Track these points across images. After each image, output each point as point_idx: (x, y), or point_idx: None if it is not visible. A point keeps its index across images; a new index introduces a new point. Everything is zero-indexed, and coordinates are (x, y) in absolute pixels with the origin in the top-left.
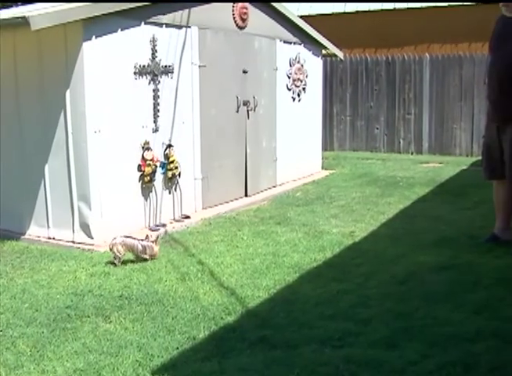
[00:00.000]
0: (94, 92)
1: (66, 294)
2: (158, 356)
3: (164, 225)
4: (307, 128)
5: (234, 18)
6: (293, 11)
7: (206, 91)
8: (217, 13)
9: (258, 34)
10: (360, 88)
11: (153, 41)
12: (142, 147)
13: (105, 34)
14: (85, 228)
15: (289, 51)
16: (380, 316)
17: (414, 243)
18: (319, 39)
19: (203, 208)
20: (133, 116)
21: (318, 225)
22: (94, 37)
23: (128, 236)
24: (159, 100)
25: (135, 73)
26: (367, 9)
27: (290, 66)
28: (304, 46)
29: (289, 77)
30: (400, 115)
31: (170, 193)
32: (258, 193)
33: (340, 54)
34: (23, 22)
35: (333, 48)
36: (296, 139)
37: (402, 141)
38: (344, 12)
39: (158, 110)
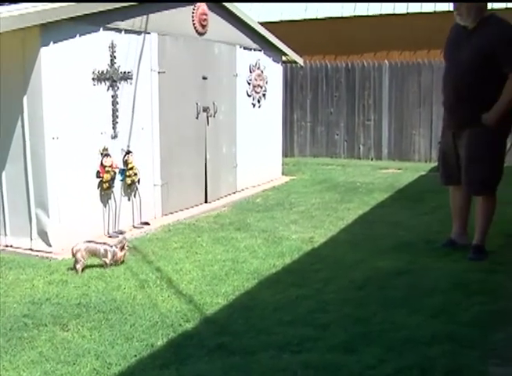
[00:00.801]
0: (52, 97)
1: (24, 302)
2: (116, 364)
3: (121, 233)
4: (267, 134)
5: (194, 24)
6: (253, 17)
7: (165, 97)
8: (176, 19)
9: (218, 41)
10: (320, 95)
11: (112, 47)
12: (101, 154)
13: (63, 40)
14: (43, 235)
15: (249, 57)
16: (338, 321)
17: (373, 248)
18: (279, 46)
19: (162, 215)
20: (92, 122)
21: (277, 231)
22: (52, 42)
23: (90, 241)
24: (118, 106)
25: (93, 79)
26: (327, 16)
27: (250, 72)
28: (265, 53)
29: (249, 84)
30: (360, 121)
31: (129, 199)
32: (218, 199)
33: (300, 60)
34: None
35: (293, 55)
36: (256, 145)
37: (361, 147)
38: (305, 19)
39: (117, 117)
